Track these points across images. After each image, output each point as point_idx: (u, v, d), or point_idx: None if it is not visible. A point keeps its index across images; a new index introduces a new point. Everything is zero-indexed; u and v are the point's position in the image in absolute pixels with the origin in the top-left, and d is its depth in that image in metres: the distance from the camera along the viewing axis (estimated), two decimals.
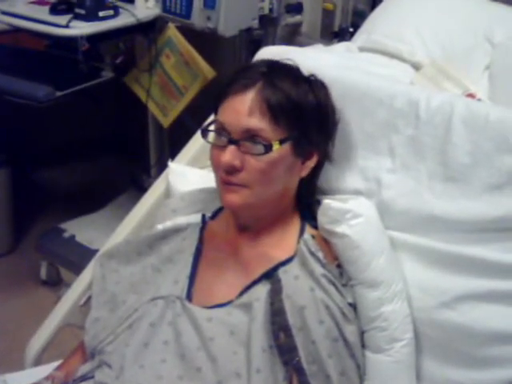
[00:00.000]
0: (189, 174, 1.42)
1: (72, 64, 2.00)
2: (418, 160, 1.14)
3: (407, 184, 1.15)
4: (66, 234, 2.56)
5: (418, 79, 1.31)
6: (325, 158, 1.16)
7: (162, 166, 2.49)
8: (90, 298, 1.33)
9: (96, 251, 1.46)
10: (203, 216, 1.24)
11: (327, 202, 1.11)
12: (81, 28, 1.94)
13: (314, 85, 1.13)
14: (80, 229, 2.59)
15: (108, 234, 1.50)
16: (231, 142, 1.06)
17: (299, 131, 1.08)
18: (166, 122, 2.35)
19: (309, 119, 1.09)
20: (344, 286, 1.10)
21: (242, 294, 1.10)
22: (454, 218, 1.10)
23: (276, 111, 1.05)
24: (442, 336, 1.10)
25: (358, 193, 1.19)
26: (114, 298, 1.22)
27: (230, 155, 1.05)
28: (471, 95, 1.26)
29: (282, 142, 1.06)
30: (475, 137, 1.08)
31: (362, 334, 1.11)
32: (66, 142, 3.05)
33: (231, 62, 2.30)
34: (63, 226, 2.61)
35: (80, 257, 2.29)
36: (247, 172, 1.05)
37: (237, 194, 1.07)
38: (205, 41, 2.19)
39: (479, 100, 1.25)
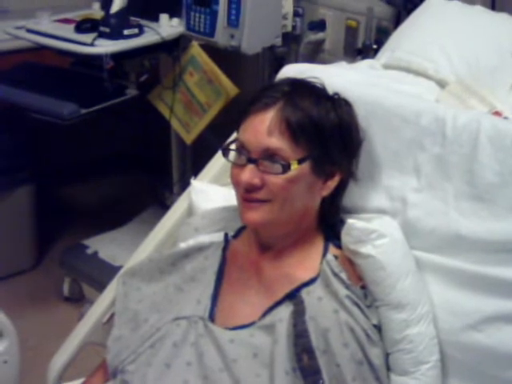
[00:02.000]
0: (211, 192, 1.41)
1: (97, 82, 2.01)
2: (445, 179, 1.12)
3: (433, 203, 1.13)
4: (89, 251, 2.57)
5: (443, 97, 1.29)
6: (348, 177, 1.15)
7: (185, 183, 2.49)
8: (112, 315, 1.32)
9: (119, 268, 1.45)
10: (226, 235, 1.23)
11: (351, 221, 1.09)
12: (106, 46, 1.96)
13: (337, 103, 1.12)
14: (103, 245, 2.60)
15: (131, 250, 1.50)
16: (250, 160, 1.06)
17: (320, 151, 1.07)
18: (188, 138, 2.36)
19: (330, 138, 1.08)
20: (369, 307, 1.08)
21: (264, 315, 1.09)
22: (481, 238, 1.07)
23: (295, 131, 1.04)
24: (468, 358, 1.08)
25: (382, 212, 1.17)
26: (136, 316, 1.21)
27: (249, 174, 1.05)
28: (498, 113, 1.24)
29: (300, 161, 1.05)
30: (502, 156, 1.06)
31: (387, 356, 1.09)
32: (90, 158, 3.08)
33: (254, 79, 2.30)
34: (86, 242, 2.63)
35: (103, 273, 2.31)
36: (267, 189, 1.05)
37: (257, 211, 1.07)
38: (228, 58, 2.20)
39: (506, 118, 1.23)
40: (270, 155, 1.05)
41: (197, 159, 2.45)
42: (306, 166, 1.06)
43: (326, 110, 1.08)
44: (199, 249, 1.23)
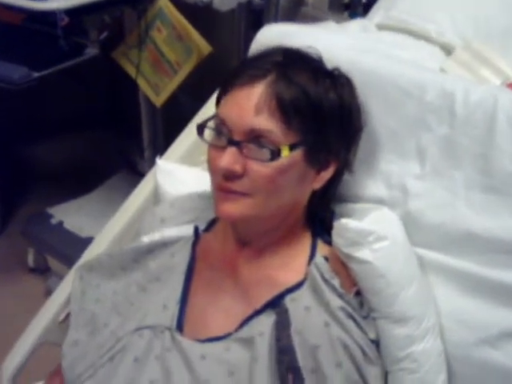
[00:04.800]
0: (181, 174, 1.23)
1: (51, 40, 1.79)
2: (453, 165, 0.96)
3: (439, 194, 0.97)
4: (54, 221, 2.40)
5: (449, 65, 1.12)
6: (344, 168, 0.98)
7: (156, 148, 2.31)
8: (70, 313, 1.16)
9: (86, 239, 1.33)
10: (196, 228, 1.06)
11: (344, 221, 0.93)
12: (58, 1, 1.73)
13: (338, 81, 0.95)
14: (69, 214, 2.42)
15: (99, 220, 1.37)
16: (232, 142, 0.89)
17: (315, 135, 0.90)
18: (158, 101, 2.16)
19: (328, 121, 0.91)
20: (365, 318, 0.93)
21: (242, 325, 0.93)
22: (495, 236, 0.92)
23: (288, 110, 0.87)
24: (480, 377, 0.94)
25: (380, 202, 1.02)
26: (94, 318, 1.06)
27: (229, 158, 0.88)
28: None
29: (292, 147, 0.88)
30: None
31: (386, 374, 0.94)
32: (54, 120, 2.86)
33: (229, 35, 2.10)
34: (51, 211, 2.45)
35: (68, 245, 2.18)
36: (249, 179, 0.89)
37: (235, 203, 0.90)
38: (199, 12, 1.98)
39: None
40: (257, 138, 0.88)
41: (169, 122, 2.26)
42: (298, 153, 0.89)
43: (324, 88, 0.91)
44: (165, 244, 1.06)
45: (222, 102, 0.92)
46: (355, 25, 1.26)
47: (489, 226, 0.92)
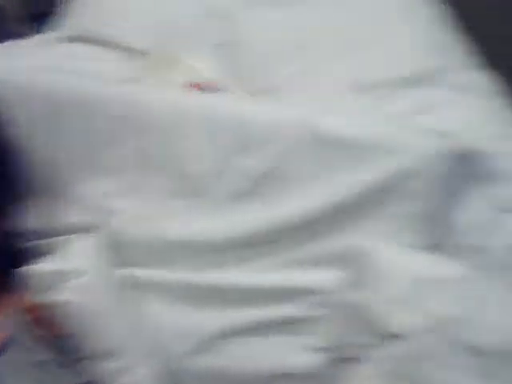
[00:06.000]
0: None
1: None
2: (146, 176, 0.93)
3: (136, 207, 0.93)
4: None
5: (140, 72, 1.06)
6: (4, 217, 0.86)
7: None
8: None
9: None
10: None
11: (37, 267, 0.84)
12: None
13: None
14: None
15: None
16: None
17: None
18: None
19: None
20: (78, 360, 0.85)
21: None
22: (195, 240, 0.91)
23: None
24: None
25: (83, 229, 0.93)
26: None
27: None
28: (197, 85, 1.04)
29: None
30: (213, 142, 0.90)
31: None
32: None
33: None
34: None
35: None
36: None
37: None
38: None
39: (208, 87, 1.04)
40: None
41: None
42: None
43: None
44: None
45: None
46: (35, 41, 1.14)
47: (185, 231, 0.91)
